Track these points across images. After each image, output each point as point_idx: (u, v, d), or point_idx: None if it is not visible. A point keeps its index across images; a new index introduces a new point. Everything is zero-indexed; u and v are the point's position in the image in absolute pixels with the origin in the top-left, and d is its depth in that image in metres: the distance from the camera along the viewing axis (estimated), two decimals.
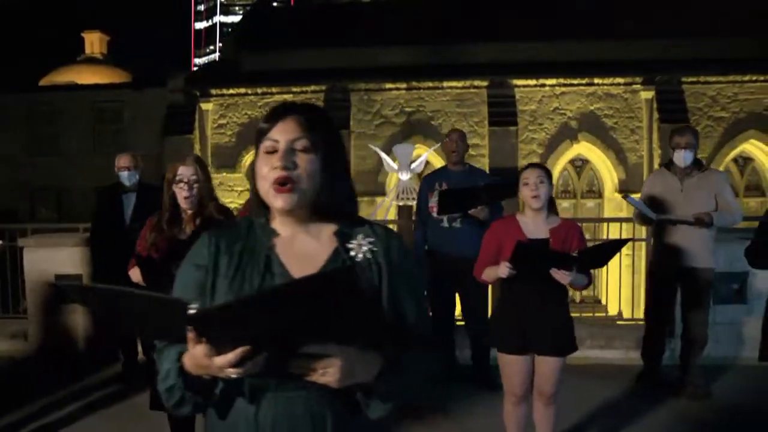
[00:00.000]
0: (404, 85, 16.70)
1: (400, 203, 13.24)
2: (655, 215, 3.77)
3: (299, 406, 1.15)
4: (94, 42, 26.76)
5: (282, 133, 1.19)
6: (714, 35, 15.46)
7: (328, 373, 1.05)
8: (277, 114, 1.21)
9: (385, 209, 13.82)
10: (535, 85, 16.39)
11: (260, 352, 1.00)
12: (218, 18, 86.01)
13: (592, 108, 16.32)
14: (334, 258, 1.21)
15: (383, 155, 13.69)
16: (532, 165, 2.81)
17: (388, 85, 16.78)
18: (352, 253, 1.22)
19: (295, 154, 1.17)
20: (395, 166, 13.53)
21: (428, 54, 16.73)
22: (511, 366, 2.76)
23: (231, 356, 0.98)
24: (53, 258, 4.97)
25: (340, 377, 1.06)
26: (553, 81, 16.28)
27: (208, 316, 0.95)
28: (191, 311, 0.93)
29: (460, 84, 16.56)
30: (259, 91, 17.46)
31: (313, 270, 1.17)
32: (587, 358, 4.43)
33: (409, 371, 1.19)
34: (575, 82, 16.29)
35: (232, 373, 1.00)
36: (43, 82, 25.07)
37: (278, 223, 1.25)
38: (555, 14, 16.29)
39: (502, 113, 16.12)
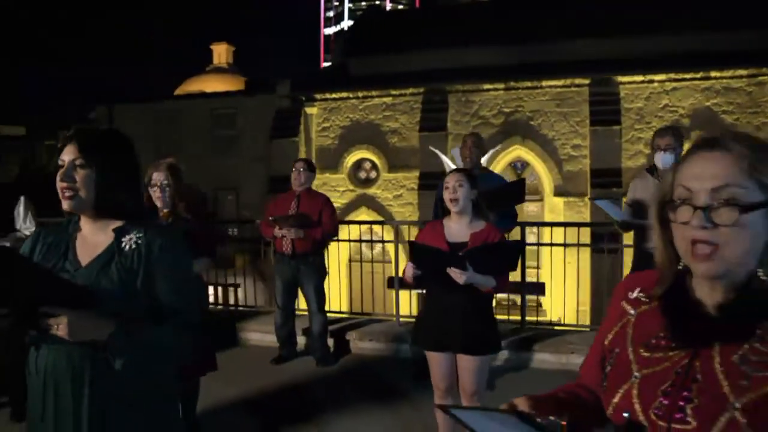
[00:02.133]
0: (502, 86, 16.68)
1: None
2: (621, 218, 3.74)
3: (62, 358, 1.57)
4: (221, 53, 29.28)
5: (66, 154, 1.61)
6: None
7: (60, 328, 1.46)
8: (63, 141, 1.62)
9: None
10: (642, 82, 15.66)
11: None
12: (345, 23, 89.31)
13: (708, 104, 15.25)
14: (109, 248, 1.63)
15: (442, 156, 13.87)
16: (454, 170, 3.03)
17: (486, 86, 16.84)
18: (123, 245, 1.63)
19: (74, 170, 1.59)
20: (453, 166, 13.69)
21: (527, 52, 16.57)
22: (431, 361, 3.01)
23: None
24: None
25: (69, 331, 1.46)
26: (662, 76, 15.46)
27: None
28: None
29: (560, 83, 16.25)
30: (360, 94, 18.24)
31: (90, 258, 1.59)
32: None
33: (152, 341, 1.58)
34: (688, 76, 15.36)
35: None
36: (177, 92, 27.83)
37: (82, 221, 1.69)
38: (663, 4, 15.39)
39: (605, 112, 15.57)
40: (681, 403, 0.96)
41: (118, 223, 1.67)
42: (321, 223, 4.67)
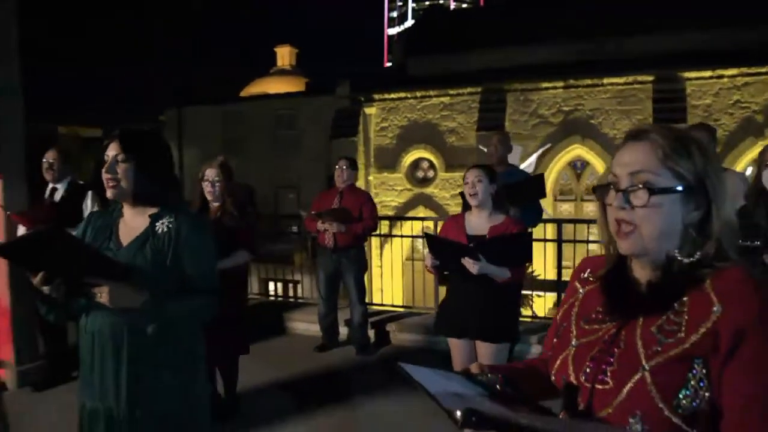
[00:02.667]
0: (561, 84, 16.47)
1: None
2: None
3: (105, 322, 1.89)
4: (284, 55, 30.15)
5: (110, 151, 1.91)
6: None
7: (103, 296, 1.76)
8: (106, 140, 1.93)
9: None
10: (711, 77, 15.12)
11: (55, 282, 1.72)
12: (409, 23, 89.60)
13: None
14: (145, 231, 1.92)
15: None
16: (474, 166, 3.19)
17: (545, 84, 16.68)
18: (157, 229, 1.92)
19: (116, 164, 1.89)
20: None
21: (587, 49, 16.31)
22: (452, 347, 3.20)
23: (37, 277, 1.72)
24: None
25: (110, 299, 1.76)
26: (734, 71, 14.88)
27: (5, 247, 1.72)
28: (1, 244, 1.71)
29: (621, 80, 15.89)
30: (418, 94, 18.43)
31: (130, 240, 1.88)
32: None
33: (180, 308, 1.86)
34: (763, 70, 14.67)
35: (44, 290, 1.74)
36: (243, 93, 28.85)
37: (123, 208, 1.99)
38: None
39: (669, 109, 15.10)
40: (603, 367, 1.11)
41: (153, 210, 1.97)
42: (362, 218, 4.92)
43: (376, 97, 19.00)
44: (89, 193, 4.22)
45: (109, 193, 1.93)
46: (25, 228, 3.97)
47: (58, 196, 4.21)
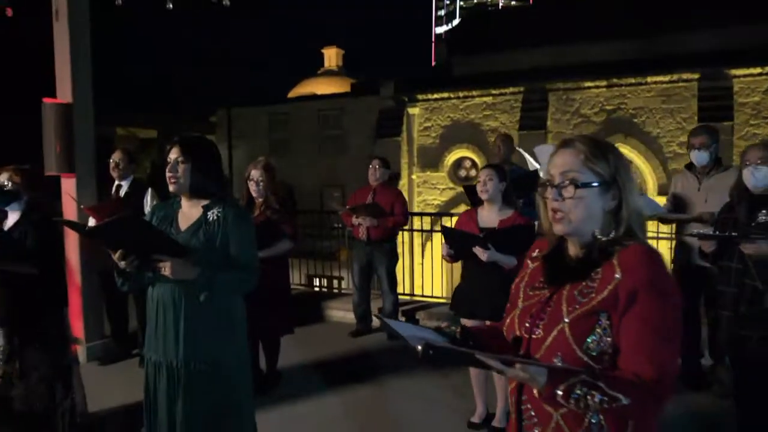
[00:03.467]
0: (604, 83, 16.48)
1: None
2: (654, 212, 4.06)
3: (167, 291, 2.36)
4: (331, 56, 30.82)
5: (172, 154, 2.38)
6: None
7: (166, 270, 2.23)
8: (169, 145, 2.39)
9: None
10: (760, 74, 14.87)
11: (130, 258, 2.20)
12: (457, 21, 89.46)
13: None
14: (198, 221, 2.38)
15: (525, 155, 14.18)
16: (486, 165, 3.57)
17: (587, 84, 16.71)
18: (209, 217, 2.38)
19: (178, 165, 2.36)
20: (537, 165, 13.94)
21: (631, 48, 16.30)
22: None
23: (116, 254, 2.20)
24: None
25: (171, 272, 2.23)
26: None
27: (95, 229, 2.20)
28: (87, 229, 2.20)
29: (666, 78, 15.78)
30: (461, 94, 18.71)
31: (188, 225, 2.34)
32: None
33: (226, 279, 2.32)
34: None
35: (121, 264, 2.22)
36: (291, 94, 29.65)
37: (182, 200, 2.46)
38: None
39: (715, 107, 14.95)
40: (537, 322, 1.49)
41: (205, 202, 2.44)
42: (393, 213, 5.33)
43: (420, 97, 19.37)
44: (149, 189, 4.78)
45: (171, 188, 2.41)
46: (94, 220, 4.54)
47: (122, 192, 4.79)
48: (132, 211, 3.27)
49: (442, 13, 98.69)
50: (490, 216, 3.51)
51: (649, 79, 15.97)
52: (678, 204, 4.20)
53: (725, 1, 15.16)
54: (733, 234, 2.84)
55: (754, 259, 2.80)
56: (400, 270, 11.94)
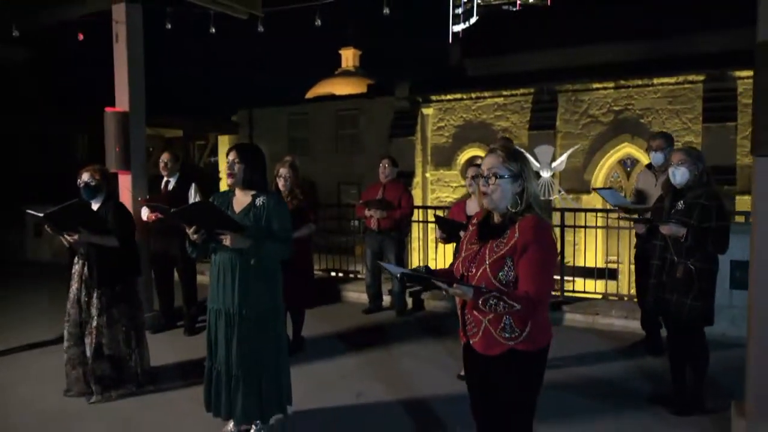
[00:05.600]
0: (612, 84, 17.16)
1: (541, 197, 14.36)
2: (616, 203, 4.88)
3: (226, 257, 3.27)
4: (348, 57, 31.78)
5: (230, 156, 3.28)
6: None
7: (226, 241, 3.12)
8: (228, 150, 3.28)
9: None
10: None
11: (200, 230, 3.10)
12: (473, 20, 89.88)
13: None
14: (249, 206, 3.27)
15: (526, 155, 15.01)
16: (473, 164, 4.39)
17: (596, 85, 17.41)
18: (256, 202, 3.26)
19: (234, 164, 3.25)
20: (537, 164, 14.78)
21: (638, 50, 16.94)
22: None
23: (190, 231, 3.10)
24: None
25: (231, 242, 3.14)
26: None
27: (178, 212, 3.10)
28: (172, 212, 3.10)
29: (672, 80, 16.45)
30: (473, 95, 19.51)
31: (241, 209, 3.23)
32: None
33: (269, 248, 3.21)
34: None
35: (193, 237, 3.12)
36: (309, 94, 30.64)
37: (236, 191, 3.35)
38: None
39: (719, 108, 15.59)
40: (471, 264, 2.36)
41: (253, 192, 3.32)
42: (401, 206, 6.19)
43: (434, 98, 20.20)
44: (193, 184, 5.69)
45: (228, 181, 3.30)
46: (147, 210, 5.45)
47: (170, 187, 5.70)
48: (204, 199, 4.17)
49: (459, 11, 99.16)
50: (475, 206, 4.34)
51: (655, 81, 16.63)
52: (639, 197, 5.01)
53: (730, 3, 15.73)
54: (648, 218, 3.69)
55: (669, 237, 3.64)
56: (415, 258, 12.74)
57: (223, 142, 24.94)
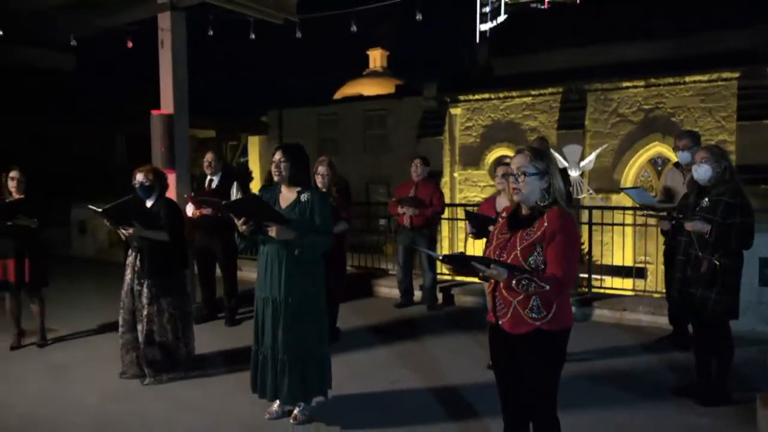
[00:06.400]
0: (642, 83, 17.11)
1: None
2: (642, 201, 5.02)
3: (274, 247, 3.54)
4: (376, 58, 32.05)
5: (276, 155, 3.55)
6: None
7: (272, 233, 3.39)
8: (275, 149, 3.56)
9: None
10: None
11: (249, 222, 3.38)
12: (502, 18, 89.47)
13: None
14: (294, 201, 3.54)
15: (556, 154, 15.29)
16: (502, 163, 4.59)
17: (626, 84, 17.38)
18: (301, 198, 3.53)
19: (281, 163, 3.52)
20: (566, 164, 14.91)
21: (669, 47, 16.88)
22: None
23: (240, 221, 3.38)
24: None
25: (276, 234, 3.42)
26: None
27: (230, 204, 3.39)
28: (224, 204, 3.39)
29: (705, 77, 16.34)
30: (501, 95, 19.62)
31: (287, 204, 3.50)
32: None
33: (313, 240, 3.47)
34: None
35: (242, 229, 3.40)
36: (337, 95, 30.98)
37: (282, 187, 3.62)
38: None
39: (755, 105, 15.42)
40: (503, 252, 2.60)
41: (298, 188, 3.59)
42: (432, 204, 6.41)
43: (461, 98, 20.35)
44: (235, 183, 6.00)
45: (276, 178, 3.57)
46: (192, 207, 5.77)
47: (214, 185, 6.01)
48: (254, 194, 4.50)
49: (486, 10, 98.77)
50: (504, 202, 4.55)
51: (687, 79, 16.52)
52: (667, 195, 5.15)
53: None
54: (673, 215, 3.85)
55: (694, 233, 3.80)
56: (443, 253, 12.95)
57: (253, 143, 25.43)
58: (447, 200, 19.78)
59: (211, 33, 6.51)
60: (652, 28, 17.27)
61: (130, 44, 6.55)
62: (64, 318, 6.25)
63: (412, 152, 20.52)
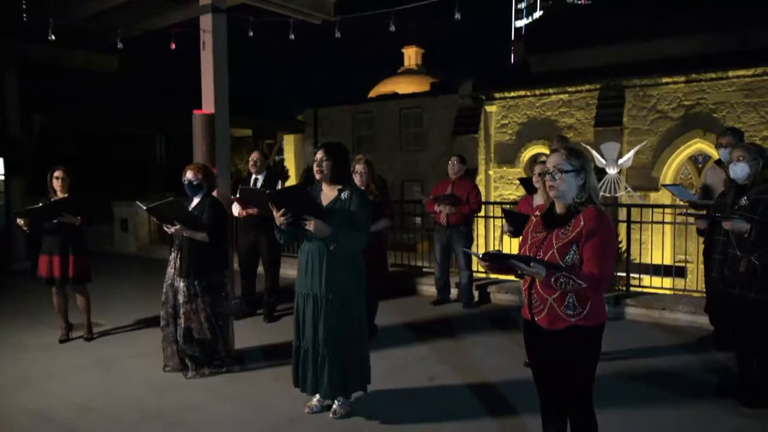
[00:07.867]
0: (682, 78, 16.73)
1: (607, 194, 14.15)
2: (686, 198, 4.93)
3: (314, 244, 3.61)
4: (411, 56, 32.06)
5: (319, 153, 3.61)
6: None
7: (310, 227, 3.46)
8: (317, 148, 3.62)
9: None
10: None
11: (287, 215, 3.45)
12: (537, 14, 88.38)
13: None
14: (335, 199, 3.60)
15: (593, 152, 14.97)
16: (540, 162, 4.57)
17: (665, 79, 17.02)
18: (341, 196, 3.59)
19: (323, 162, 3.58)
20: (604, 161, 14.66)
21: (709, 42, 16.46)
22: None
23: (278, 214, 3.45)
24: None
25: (315, 229, 3.48)
26: None
27: (274, 193, 3.46)
28: (268, 192, 3.46)
29: (749, 72, 15.90)
30: (537, 92, 19.43)
31: (327, 202, 3.57)
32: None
33: (348, 237, 3.52)
34: None
35: (280, 222, 3.47)
36: (372, 93, 31.10)
37: (323, 185, 3.68)
38: None
39: None
40: (539, 250, 2.61)
41: (339, 186, 3.65)
42: (469, 202, 6.41)
43: (497, 95, 20.21)
44: (279, 181, 6.11)
45: (317, 176, 3.64)
46: (238, 207, 5.88)
47: (258, 184, 6.12)
48: (300, 187, 4.57)
49: (522, 6, 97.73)
50: (542, 200, 4.53)
51: (730, 74, 16.10)
52: (706, 193, 5.06)
53: None
54: (718, 215, 3.78)
55: (732, 232, 3.73)
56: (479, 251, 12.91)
57: (288, 141, 25.71)
58: (482, 198, 19.76)
59: (251, 34, 6.61)
60: (691, 24, 16.87)
61: (173, 46, 6.73)
62: (107, 313, 6.44)
63: (448, 150, 20.55)
